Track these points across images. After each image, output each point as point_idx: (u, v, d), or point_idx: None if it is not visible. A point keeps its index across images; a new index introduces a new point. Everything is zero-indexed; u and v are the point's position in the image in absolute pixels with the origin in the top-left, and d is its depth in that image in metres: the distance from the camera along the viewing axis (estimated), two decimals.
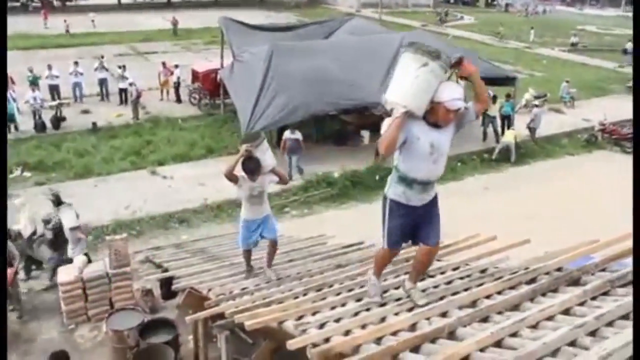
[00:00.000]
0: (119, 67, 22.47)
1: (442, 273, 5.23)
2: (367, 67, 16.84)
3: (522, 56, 35.62)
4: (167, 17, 40.96)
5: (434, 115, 4.11)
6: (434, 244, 4.45)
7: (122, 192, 14.42)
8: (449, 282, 4.86)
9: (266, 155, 6.57)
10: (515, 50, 37.69)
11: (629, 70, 30.77)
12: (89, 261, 9.93)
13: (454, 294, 4.48)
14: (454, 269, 5.33)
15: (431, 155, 4.13)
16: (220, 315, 5.81)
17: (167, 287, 8.99)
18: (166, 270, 8.82)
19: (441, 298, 4.38)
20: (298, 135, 15.45)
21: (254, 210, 6.76)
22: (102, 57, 24.13)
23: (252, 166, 6.44)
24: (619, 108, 21.75)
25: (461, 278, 4.97)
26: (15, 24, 36.47)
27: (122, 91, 21.85)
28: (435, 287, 4.76)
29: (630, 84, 27.28)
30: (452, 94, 4.05)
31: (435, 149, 4.13)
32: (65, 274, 9.41)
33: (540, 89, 23.28)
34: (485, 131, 19.01)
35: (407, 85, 3.99)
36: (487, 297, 4.25)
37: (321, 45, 19.27)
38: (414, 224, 4.42)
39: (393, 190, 4.36)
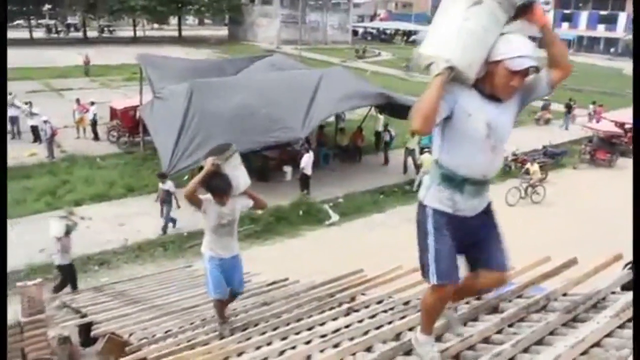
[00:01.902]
0: (26, 104, 21.73)
1: (367, 307, 5.27)
2: (288, 102, 17.05)
3: None
4: (84, 52, 39.97)
5: (491, 81, 2.91)
6: (504, 267, 3.33)
7: (36, 235, 13.74)
8: (373, 316, 4.90)
9: (238, 172, 5.25)
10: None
11: (533, 103, 32.75)
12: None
13: (378, 327, 4.51)
14: (378, 302, 5.37)
15: (488, 139, 2.96)
16: None
17: (86, 334, 8.63)
18: (85, 316, 8.47)
19: (366, 333, 4.40)
20: (169, 185, 14.48)
21: (224, 244, 5.42)
22: (11, 93, 23.09)
23: (221, 185, 5.11)
24: (529, 139, 22.96)
25: (385, 311, 5.01)
26: None
27: (34, 128, 21.04)
28: (360, 321, 4.79)
29: (537, 115, 29.10)
30: (518, 48, 2.83)
31: (493, 131, 2.95)
32: None
33: None
34: (406, 163, 19.57)
35: (453, 31, 2.80)
36: (410, 329, 4.30)
37: (242, 81, 19.35)
38: (467, 243, 3.23)
39: (434, 195, 3.12)
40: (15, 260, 12.42)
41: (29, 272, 12.09)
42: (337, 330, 4.61)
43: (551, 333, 3.49)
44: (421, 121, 2.75)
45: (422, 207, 3.18)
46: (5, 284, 8.04)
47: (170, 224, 14.61)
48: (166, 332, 6.22)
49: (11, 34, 55.03)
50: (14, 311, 9.20)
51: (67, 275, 11.20)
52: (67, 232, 10.84)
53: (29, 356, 8.93)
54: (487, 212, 3.27)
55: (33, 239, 13.52)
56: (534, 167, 18.60)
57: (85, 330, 8.77)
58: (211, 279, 5.37)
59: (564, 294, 4.26)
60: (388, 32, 75.76)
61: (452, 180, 3.05)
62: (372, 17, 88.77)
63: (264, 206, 5.94)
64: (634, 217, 2.67)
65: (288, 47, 53.38)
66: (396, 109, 19.92)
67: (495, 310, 4.41)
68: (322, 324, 4.92)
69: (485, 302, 4.52)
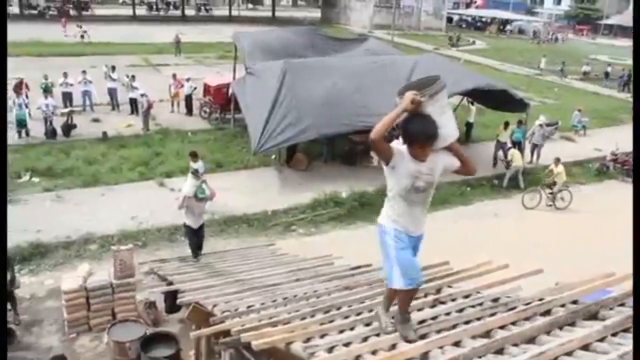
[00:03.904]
0: (127, 77, 22.61)
1: (453, 300, 5.11)
2: (380, 88, 16.81)
3: (534, 83, 35.60)
4: (180, 30, 41.02)
5: None
6: None
7: (129, 203, 14.37)
8: (461, 310, 4.73)
9: (445, 118, 3.67)
10: (527, 77, 37.69)
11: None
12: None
13: (467, 322, 4.35)
14: (465, 297, 5.20)
15: None
16: (224, 332, 5.71)
17: (171, 301, 8.92)
18: (171, 284, 8.74)
19: (453, 326, 4.26)
20: (198, 165, 13.90)
21: (415, 215, 3.88)
22: (107, 66, 24.00)
23: (424, 131, 3.58)
24: (631, 138, 21.60)
25: (473, 306, 4.84)
26: (32, 32, 37.06)
27: (133, 101, 21.91)
28: (447, 314, 4.64)
29: None
30: None
31: None
32: (69, 282, 9.34)
33: (551, 117, 23.17)
34: (496, 157, 18.94)
35: None
36: (502, 327, 4.13)
37: (335, 63, 19.28)
38: None
39: None
40: (108, 225, 13.04)
41: (120, 237, 12.61)
42: (423, 321, 4.48)
43: None
44: None
45: None
46: (6, 284, 8.43)
47: None
48: (249, 307, 6.27)
49: (115, 11, 58.00)
50: (108, 273, 9.67)
51: (198, 234, 10.83)
52: (196, 196, 10.34)
53: (117, 316, 9.39)
54: None
55: (126, 206, 14.13)
56: (558, 169, 16.50)
57: (170, 297, 9.06)
58: (399, 263, 3.81)
59: None
60: (484, 20, 73.49)
61: None
62: (468, 4, 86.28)
63: (473, 171, 4.02)
64: (634, 218, 2.40)
65: (380, 31, 52.75)
66: (491, 99, 19.28)
67: (594, 317, 4.15)
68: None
69: (583, 307, 4.27)
